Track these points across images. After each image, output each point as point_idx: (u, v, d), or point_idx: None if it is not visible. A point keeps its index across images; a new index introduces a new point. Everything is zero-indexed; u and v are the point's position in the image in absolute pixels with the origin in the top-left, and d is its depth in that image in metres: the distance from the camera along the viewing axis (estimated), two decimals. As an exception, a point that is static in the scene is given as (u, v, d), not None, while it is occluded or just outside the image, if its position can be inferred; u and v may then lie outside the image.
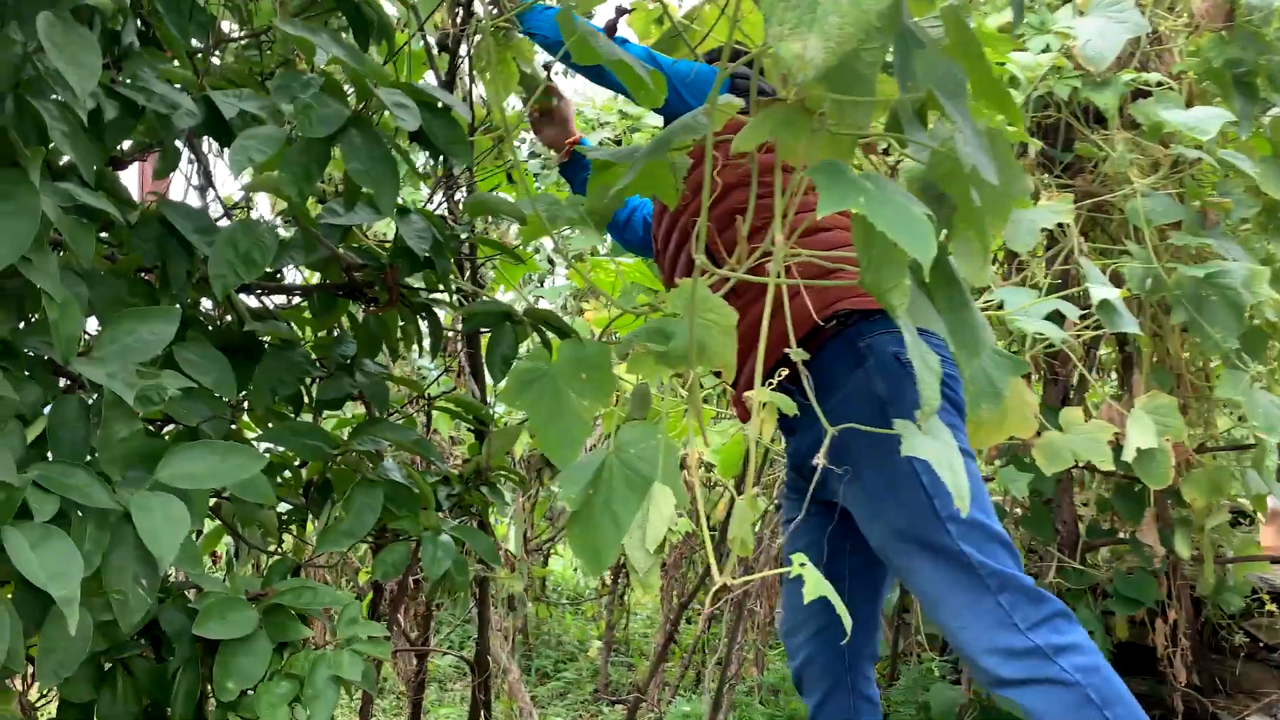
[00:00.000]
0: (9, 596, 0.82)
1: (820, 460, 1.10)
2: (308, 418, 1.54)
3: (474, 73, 1.61)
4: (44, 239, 0.88)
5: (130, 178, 1.91)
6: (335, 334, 1.51)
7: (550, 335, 1.38)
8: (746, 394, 1.07)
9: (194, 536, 0.93)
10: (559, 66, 1.73)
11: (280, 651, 1.13)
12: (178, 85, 1.12)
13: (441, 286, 1.32)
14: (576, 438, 1.21)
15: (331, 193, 1.40)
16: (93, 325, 1.14)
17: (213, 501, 1.40)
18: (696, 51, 1.61)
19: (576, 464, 1.18)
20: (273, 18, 1.30)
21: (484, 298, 1.39)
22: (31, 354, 0.95)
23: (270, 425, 1.42)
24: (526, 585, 2.93)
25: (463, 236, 1.35)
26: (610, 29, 1.66)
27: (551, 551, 4.58)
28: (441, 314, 1.57)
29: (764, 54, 1.18)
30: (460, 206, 1.49)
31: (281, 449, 1.41)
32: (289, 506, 1.48)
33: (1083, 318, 2.14)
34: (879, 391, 1.49)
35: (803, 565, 1.06)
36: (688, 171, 1.64)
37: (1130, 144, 2.28)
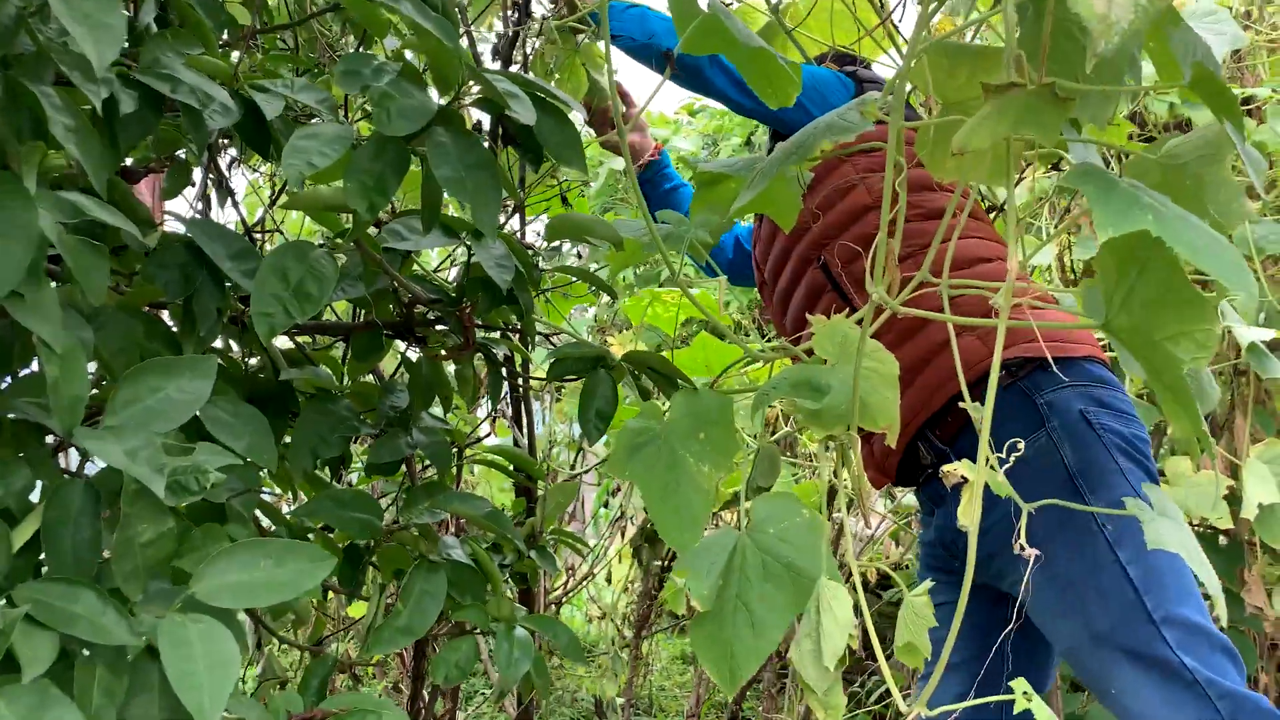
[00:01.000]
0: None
1: (1019, 543, 0.87)
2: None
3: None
4: (40, 267, 0.64)
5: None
6: (380, 381, 1.27)
7: (649, 382, 1.14)
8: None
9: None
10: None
11: (333, 794, 0.88)
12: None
13: (519, 324, 1.09)
14: (698, 515, 0.97)
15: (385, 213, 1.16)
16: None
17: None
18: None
19: (700, 549, 0.95)
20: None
21: (568, 337, 1.15)
22: (20, 421, 0.71)
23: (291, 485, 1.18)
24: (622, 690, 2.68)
25: (544, 266, 1.11)
26: None
27: (565, 601, 4.31)
28: (500, 354, 1.33)
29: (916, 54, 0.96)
30: (540, 230, 1.26)
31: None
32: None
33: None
34: (1067, 459, 1.24)
35: (1027, 694, 0.82)
36: (807, 189, 1.42)
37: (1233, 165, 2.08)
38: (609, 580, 4.30)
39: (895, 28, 1.55)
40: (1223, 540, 2.42)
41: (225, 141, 1.34)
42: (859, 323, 0.96)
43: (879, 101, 0.98)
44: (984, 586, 1.36)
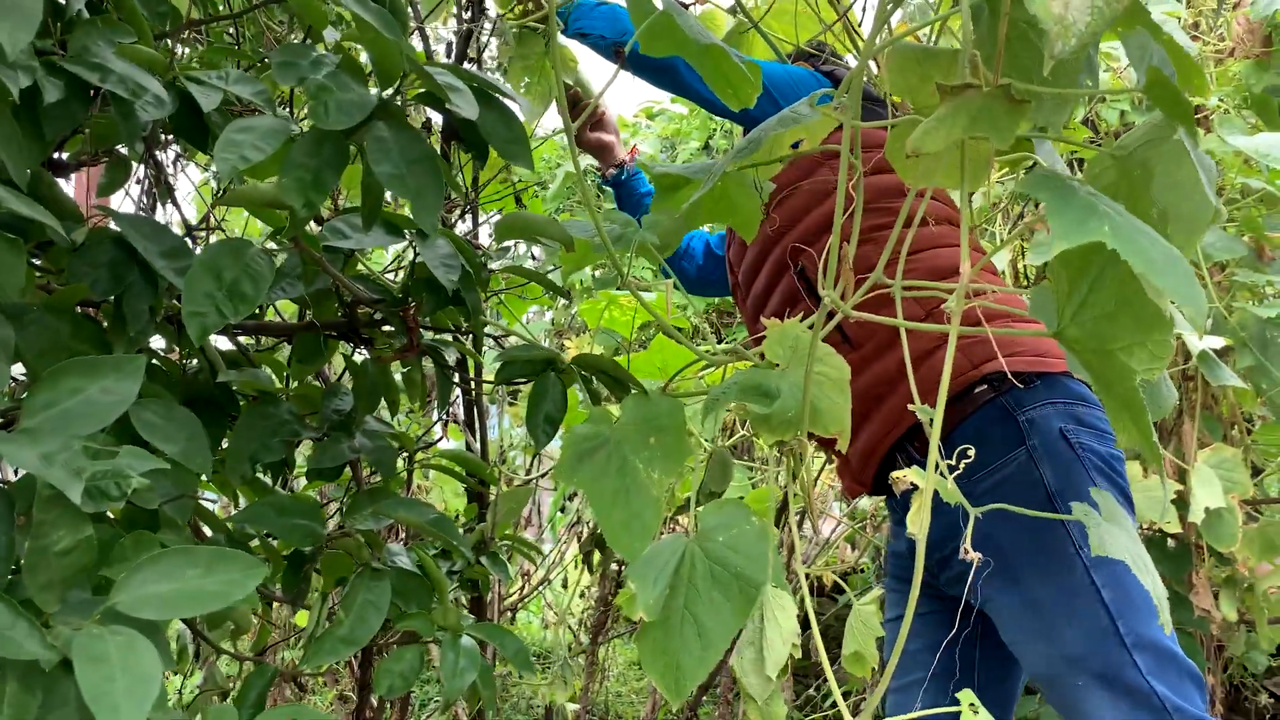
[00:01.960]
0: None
1: (970, 555, 0.86)
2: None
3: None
4: (-48, 262, 0.60)
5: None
6: (325, 384, 1.24)
7: (600, 386, 1.12)
8: (893, 474, 0.82)
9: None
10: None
11: (267, 811, 0.85)
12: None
13: (466, 325, 1.06)
14: (648, 524, 0.95)
15: (328, 210, 1.13)
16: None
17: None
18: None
19: (648, 557, 0.93)
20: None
21: (519, 340, 1.13)
22: (-70, 424, 0.67)
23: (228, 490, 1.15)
24: (577, 697, 2.65)
25: (492, 266, 1.09)
26: None
27: (521, 607, 4.27)
28: (450, 358, 1.31)
29: (873, 53, 0.95)
30: (491, 229, 1.24)
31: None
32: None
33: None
34: (1046, 480, 1.23)
35: (973, 706, 0.81)
36: (778, 197, 1.40)
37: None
38: (565, 585, 4.27)
39: (855, 28, 1.55)
40: (1171, 544, 2.45)
41: (169, 138, 1.30)
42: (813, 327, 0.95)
43: (835, 100, 0.97)
44: (955, 601, 1.36)
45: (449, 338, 1.27)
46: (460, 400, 1.84)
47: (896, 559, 1.55)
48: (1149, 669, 1.19)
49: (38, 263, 0.92)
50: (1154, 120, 0.87)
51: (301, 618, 2.25)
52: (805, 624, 0.90)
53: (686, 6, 1.31)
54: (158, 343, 1.13)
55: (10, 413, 0.80)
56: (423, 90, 0.83)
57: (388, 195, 0.98)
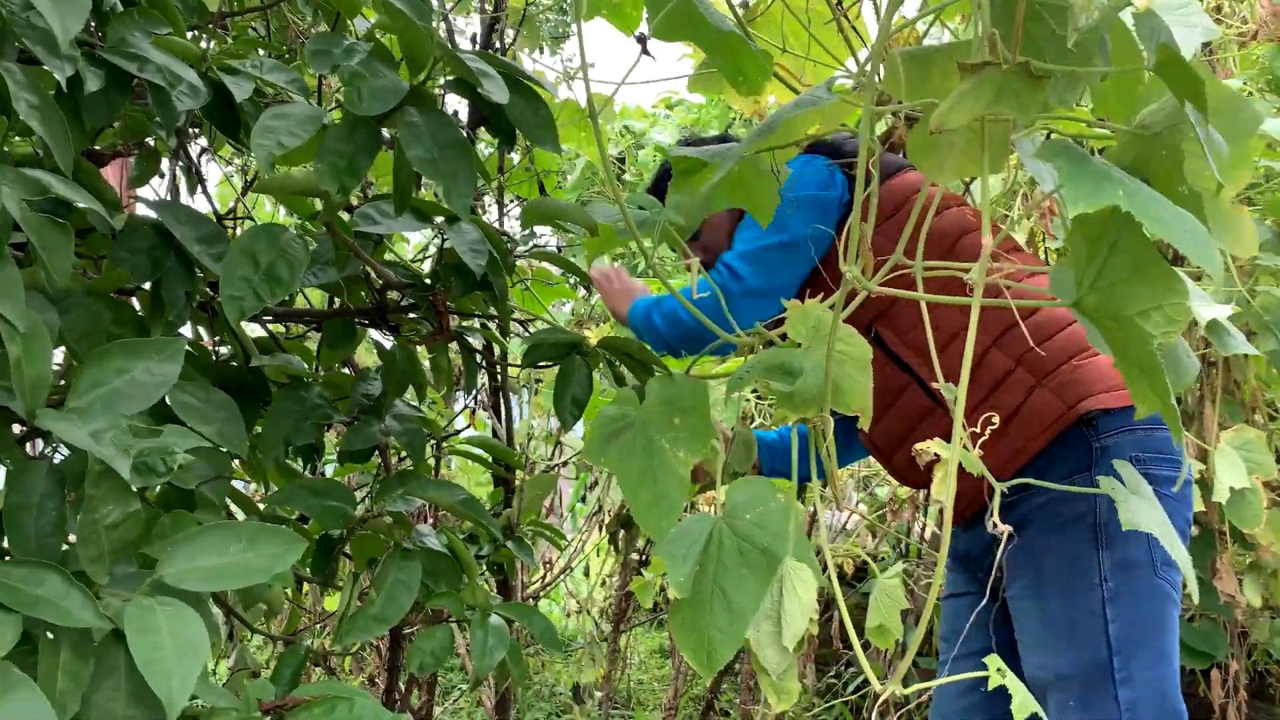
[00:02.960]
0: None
1: (1000, 529, 0.87)
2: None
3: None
4: (4, 244, 0.63)
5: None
6: (354, 370, 1.26)
7: (625, 370, 1.13)
8: (927, 449, 0.83)
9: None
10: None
11: (306, 783, 0.87)
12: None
13: (494, 311, 1.08)
14: (674, 502, 0.97)
15: (357, 198, 1.15)
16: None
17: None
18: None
19: (676, 535, 0.95)
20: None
21: (544, 324, 1.14)
22: (-18, 404, 0.69)
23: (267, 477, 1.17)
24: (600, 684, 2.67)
25: (520, 252, 1.11)
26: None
27: (542, 595, 4.29)
28: (476, 343, 1.33)
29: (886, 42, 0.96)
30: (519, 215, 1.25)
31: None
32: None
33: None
34: (1099, 508, 1.28)
35: (1000, 670, 0.83)
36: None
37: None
38: (586, 574, 4.30)
39: (852, 26, 1.54)
40: (1194, 529, 2.44)
41: (195, 130, 1.32)
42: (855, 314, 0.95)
43: (854, 81, 0.98)
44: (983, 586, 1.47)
45: (476, 324, 1.29)
46: (486, 388, 1.86)
47: (952, 553, 1.62)
48: (1128, 704, 1.26)
49: (79, 249, 0.94)
50: (1176, 103, 0.88)
51: (330, 603, 2.29)
52: (829, 607, 0.91)
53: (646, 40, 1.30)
54: (187, 330, 1.16)
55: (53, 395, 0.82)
56: (452, 77, 0.84)
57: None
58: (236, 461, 1.13)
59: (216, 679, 1.98)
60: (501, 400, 1.71)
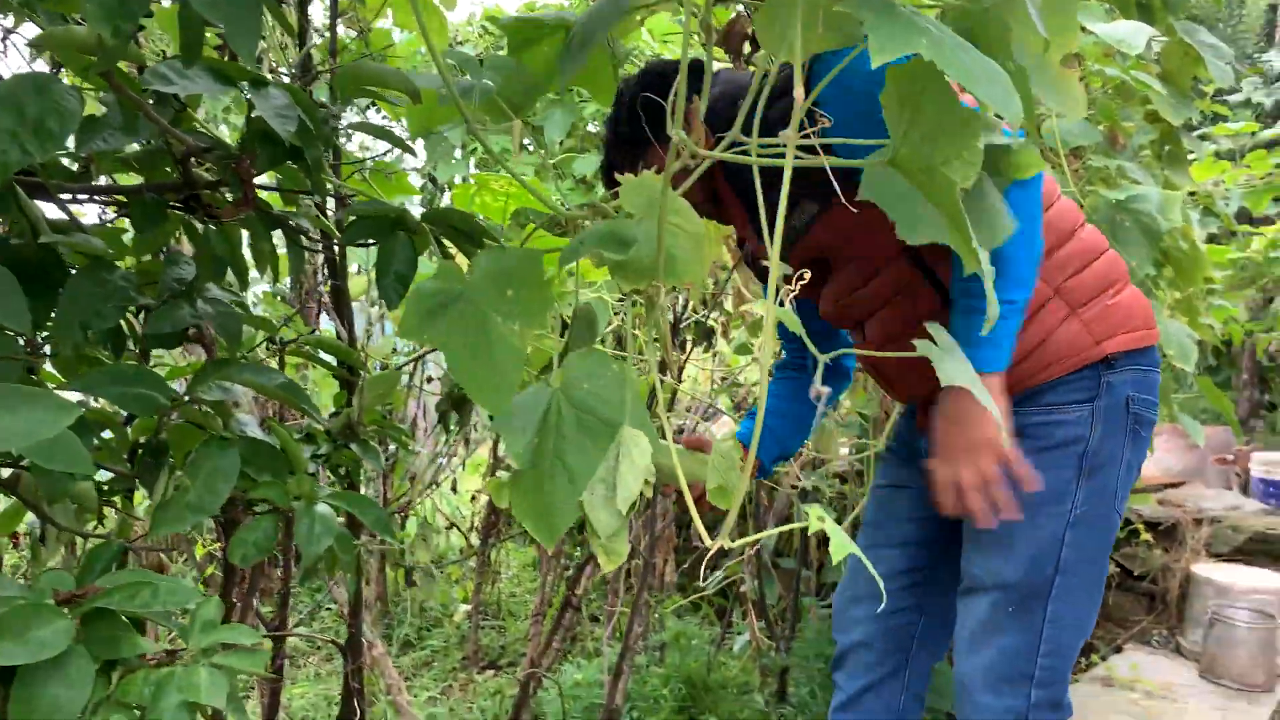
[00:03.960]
0: None
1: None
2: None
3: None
4: None
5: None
6: (165, 253, 1.17)
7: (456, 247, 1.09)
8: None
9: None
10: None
11: (108, 673, 0.83)
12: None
13: (311, 186, 1.01)
14: (511, 375, 0.94)
15: (155, 55, 1.06)
16: None
17: (8, 472, 1.07)
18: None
19: (515, 407, 0.93)
20: None
21: (365, 198, 1.09)
22: None
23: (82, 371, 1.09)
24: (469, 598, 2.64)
25: (338, 122, 1.04)
26: None
27: (410, 513, 4.25)
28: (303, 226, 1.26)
29: None
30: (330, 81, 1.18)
31: (100, 401, 1.08)
32: (110, 475, 1.15)
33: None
34: (1090, 439, 1.35)
35: (821, 519, 0.84)
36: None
37: (1044, 61, 2.16)
38: (455, 489, 4.27)
39: None
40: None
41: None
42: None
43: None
44: None
45: (310, 206, 1.22)
46: (328, 286, 1.78)
47: (898, 440, 1.72)
48: (1052, 617, 1.37)
49: None
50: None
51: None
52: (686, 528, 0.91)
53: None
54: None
55: None
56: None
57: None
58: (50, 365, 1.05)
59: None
60: (341, 296, 1.64)
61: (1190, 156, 3.52)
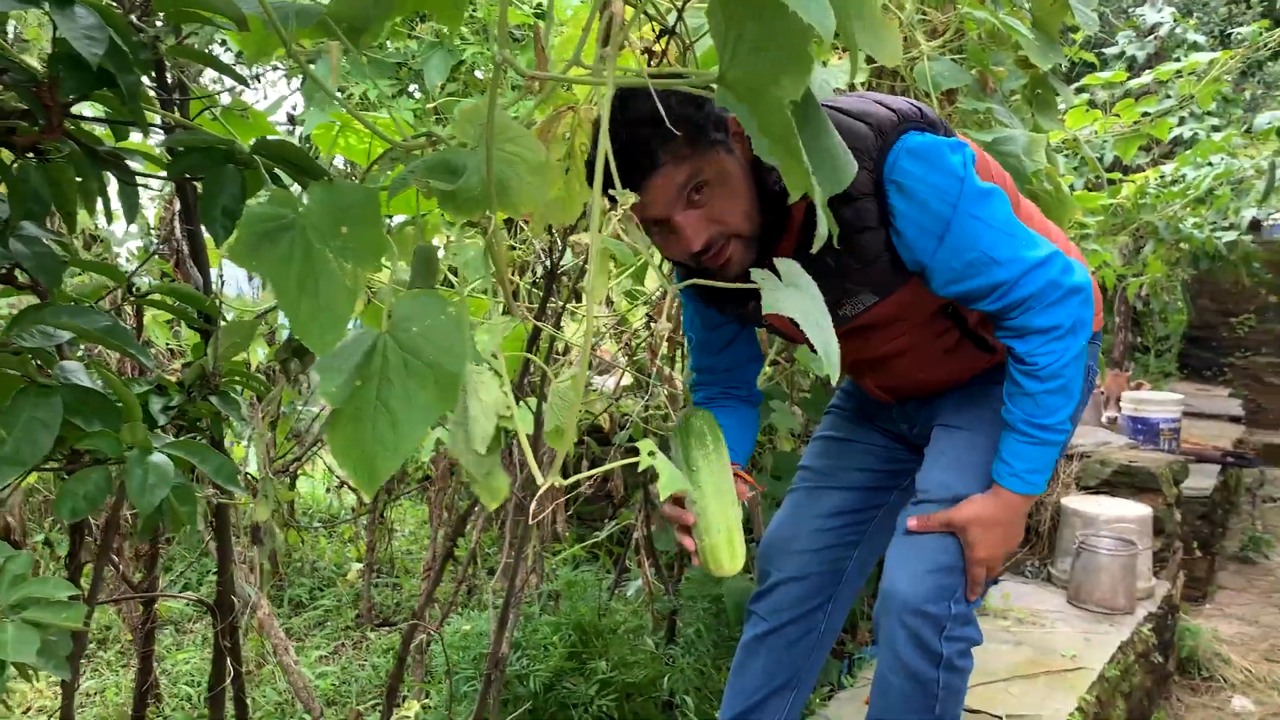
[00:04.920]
0: None
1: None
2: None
3: None
4: None
5: None
6: None
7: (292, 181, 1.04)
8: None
9: None
10: None
11: (-91, 633, 0.78)
12: None
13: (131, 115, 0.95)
14: (339, 315, 0.90)
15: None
16: None
17: None
18: None
19: (338, 349, 0.89)
20: None
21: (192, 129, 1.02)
22: None
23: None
24: (275, 510, 2.57)
25: (160, 45, 0.98)
26: None
27: (300, 472, 4.15)
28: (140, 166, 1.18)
29: None
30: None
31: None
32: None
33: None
34: None
35: (652, 454, 0.84)
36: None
37: (917, 6, 2.18)
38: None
39: None
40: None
41: None
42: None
43: None
44: (899, 439, 1.75)
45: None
46: (183, 232, 1.70)
47: (847, 398, 1.85)
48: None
49: None
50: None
51: None
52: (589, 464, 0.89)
53: None
54: None
55: None
56: None
57: None
58: None
59: None
60: (195, 246, 1.57)
61: (1065, 105, 3.63)
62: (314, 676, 3.10)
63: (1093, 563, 2.81)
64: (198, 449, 1.11)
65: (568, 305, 2.12)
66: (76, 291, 1.42)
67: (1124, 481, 3.49)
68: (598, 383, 3.34)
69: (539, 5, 2.47)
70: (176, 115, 1.20)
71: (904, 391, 1.69)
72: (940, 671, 1.48)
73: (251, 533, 2.37)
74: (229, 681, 1.89)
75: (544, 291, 1.81)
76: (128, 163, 1.13)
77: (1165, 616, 3.08)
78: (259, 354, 2.97)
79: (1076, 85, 4.64)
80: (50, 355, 1.04)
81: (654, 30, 1.34)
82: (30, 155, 1.04)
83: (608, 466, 0.81)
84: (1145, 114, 3.80)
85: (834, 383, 0.89)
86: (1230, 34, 9.00)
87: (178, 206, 1.90)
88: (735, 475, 1.45)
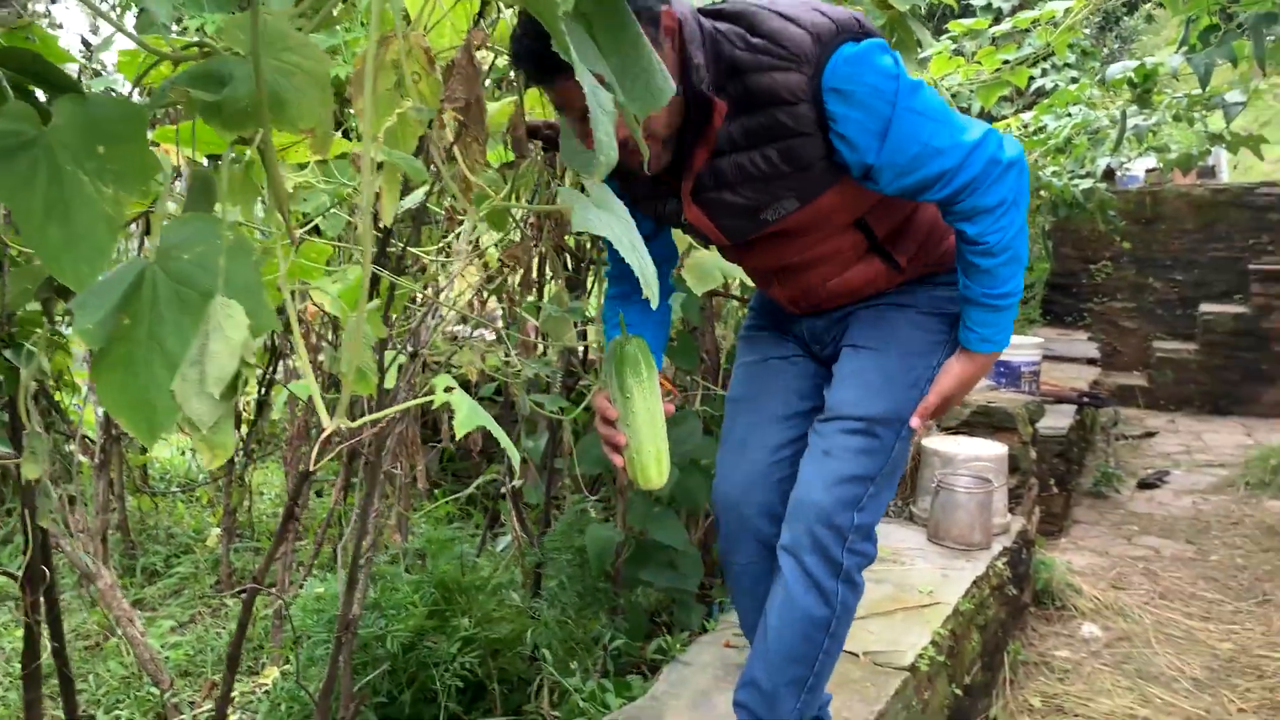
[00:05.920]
0: None
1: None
2: None
3: None
4: None
5: None
6: None
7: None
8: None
9: None
10: None
11: None
12: None
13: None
14: (99, 244, 0.80)
15: None
16: None
17: None
18: None
19: (99, 284, 0.79)
20: None
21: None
22: None
23: None
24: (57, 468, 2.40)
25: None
26: None
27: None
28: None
29: None
30: None
31: None
32: None
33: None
34: (946, 331, 1.64)
35: (449, 389, 0.77)
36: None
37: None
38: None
39: None
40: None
41: None
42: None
43: None
44: (814, 358, 1.77)
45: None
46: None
47: (768, 315, 1.85)
48: (897, 455, 1.60)
49: None
50: None
51: None
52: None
53: None
54: None
55: None
56: None
57: None
58: None
59: None
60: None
61: (927, 51, 3.65)
62: (166, 647, 2.95)
63: (950, 500, 2.88)
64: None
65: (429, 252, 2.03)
66: None
67: (982, 421, 3.60)
68: (474, 337, 3.25)
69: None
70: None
71: (812, 301, 1.71)
72: (839, 584, 1.55)
73: (102, 497, 2.21)
74: (49, 658, 1.76)
75: (382, 235, 1.71)
76: None
77: (1020, 550, 3.19)
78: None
79: (947, 35, 4.70)
80: None
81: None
82: None
83: (392, 409, 0.74)
84: (1006, 61, 3.86)
85: (653, 305, 0.84)
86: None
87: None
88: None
